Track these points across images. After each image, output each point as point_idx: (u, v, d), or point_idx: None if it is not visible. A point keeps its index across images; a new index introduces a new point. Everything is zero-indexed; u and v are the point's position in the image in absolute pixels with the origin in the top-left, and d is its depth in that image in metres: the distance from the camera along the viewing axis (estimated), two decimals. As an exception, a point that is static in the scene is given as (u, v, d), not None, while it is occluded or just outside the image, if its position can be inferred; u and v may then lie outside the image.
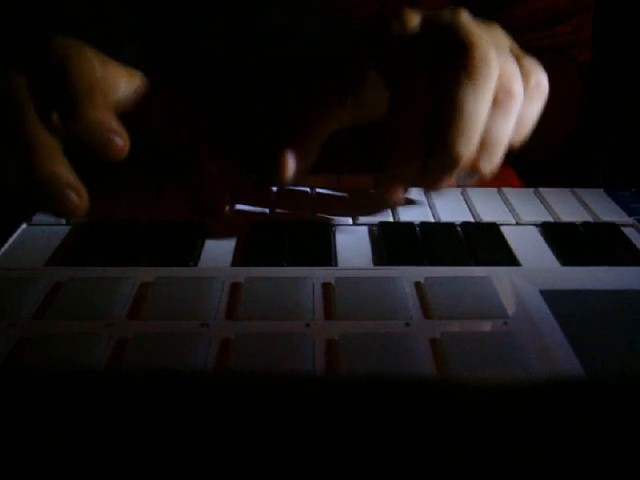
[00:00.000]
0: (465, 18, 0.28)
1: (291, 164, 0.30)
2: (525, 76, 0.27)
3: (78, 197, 0.26)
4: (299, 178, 0.31)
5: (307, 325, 0.23)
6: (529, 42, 0.45)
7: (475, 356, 0.21)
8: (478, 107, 0.25)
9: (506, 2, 0.44)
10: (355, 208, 0.32)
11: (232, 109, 0.44)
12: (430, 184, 0.28)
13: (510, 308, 0.24)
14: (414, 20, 0.28)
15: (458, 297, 0.24)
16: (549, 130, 0.29)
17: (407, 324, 0.23)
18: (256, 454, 0.16)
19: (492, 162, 0.27)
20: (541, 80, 0.28)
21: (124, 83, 0.28)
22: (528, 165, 0.31)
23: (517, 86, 0.26)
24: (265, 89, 0.44)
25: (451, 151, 0.26)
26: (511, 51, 0.28)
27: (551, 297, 0.25)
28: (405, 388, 0.19)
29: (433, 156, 0.27)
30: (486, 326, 0.23)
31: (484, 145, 0.26)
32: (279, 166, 0.30)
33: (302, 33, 0.42)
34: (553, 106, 0.29)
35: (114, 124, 0.26)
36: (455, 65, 0.25)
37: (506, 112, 0.26)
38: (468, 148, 0.26)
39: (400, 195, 0.29)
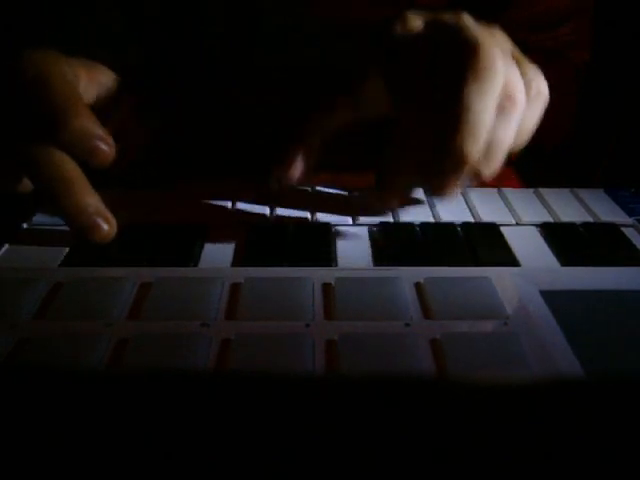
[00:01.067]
0: (469, 21, 0.28)
1: (296, 165, 0.31)
2: (526, 82, 0.28)
3: (108, 225, 0.26)
4: (303, 177, 0.31)
5: (307, 325, 0.23)
6: (529, 44, 0.45)
7: (475, 356, 0.21)
8: (485, 109, 0.26)
9: (507, 4, 0.44)
10: (355, 208, 0.32)
11: (232, 109, 0.44)
12: (438, 188, 0.28)
13: (510, 308, 0.24)
14: (417, 23, 0.28)
15: (458, 297, 0.24)
16: (543, 130, 0.30)
17: (407, 324, 0.23)
18: (256, 454, 0.16)
19: (493, 165, 0.28)
20: (541, 87, 0.29)
21: (90, 82, 0.29)
22: (528, 165, 0.31)
23: (520, 94, 0.27)
24: (265, 89, 0.44)
25: (459, 152, 0.26)
26: (512, 55, 0.29)
27: (551, 297, 0.25)
28: (405, 388, 0.19)
29: (440, 158, 0.26)
30: (486, 326, 0.23)
31: (487, 149, 0.27)
32: (284, 167, 0.31)
33: (302, 33, 0.42)
34: (548, 106, 0.29)
35: (98, 130, 0.26)
36: (462, 66, 0.25)
37: (509, 118, 0.27)
38: (475, 149, 0.26)
39: (398, 199, 0.29)
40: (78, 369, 0.21)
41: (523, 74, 0.28)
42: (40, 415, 0.17)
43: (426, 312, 0.24)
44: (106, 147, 0.26)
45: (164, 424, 0.17)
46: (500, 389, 0.20)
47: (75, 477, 0.15)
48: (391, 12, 0.41)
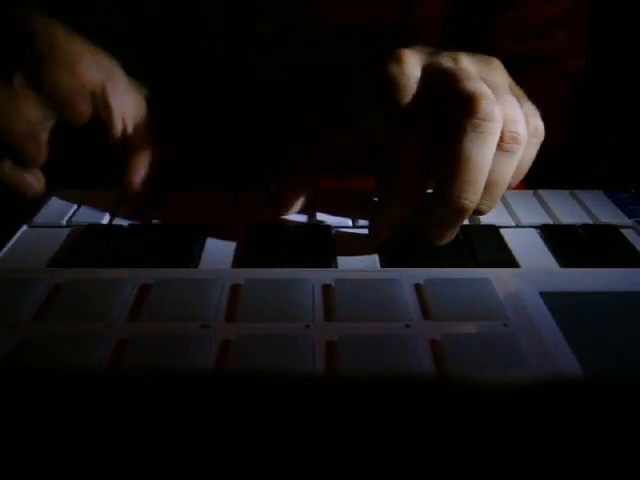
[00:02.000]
0: (466, 65, 0.28)
1: (297, 197, 0.32)
2: (524, 117, 0.27)
3: (36, 179, 0.29)
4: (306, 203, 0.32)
5: (307, 327, 0.23)
6: (525, 50, 0.45)
7: (475, 357, 0.21)
8: (483, 158, 0.25)
9: (506, 8, 0.44)
10: (355, 209, 0.33)
11: (232, 109, 0.44)
12: (437, 236, 0.28)
13: (510, 310, 0.24)
14: (414, 67, 0.28)
15: (458, 299, 0.24)
16: None
17: (407, 326, 0.23)
18: (256, 454, 0.16)
19: (492, 203, 0.28)
20: (538, 125, 0.29)
21: (86, 58, 0.29)
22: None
23: (522, 130, 0.27)
24: (265, 89, 0.44)
25: (457, 202, 0.26)
26: (510, 89, 0.29)
27: (550, 298, 0.25)
28: (405, 389, 0.19)
29: (439, 208, 0.26)
30: (486, 327, 0.23)
31: (486, 187, 0.26)
32: (283, 200, 0.32)
33: (302, 33, 0.42)
34: (543, 115, 0.29)
35: (76, 85, 0.28)
36: (460, 119, 0.25)
37: (510, 156, 0.27)
38: (474, 198, 0.26)
39: (389, 236, 0.28)
40: (78, 370, 0.21)
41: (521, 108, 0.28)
42: (40, 416, 0.17)
43: (426, 313, 0.24)
44: (83, 102, 0.28)
45: (164, 425, 0.17)
46: (500, 389, 0.20)
47: (75, 477, 0.15)
48: (391, 13, 0.41)
